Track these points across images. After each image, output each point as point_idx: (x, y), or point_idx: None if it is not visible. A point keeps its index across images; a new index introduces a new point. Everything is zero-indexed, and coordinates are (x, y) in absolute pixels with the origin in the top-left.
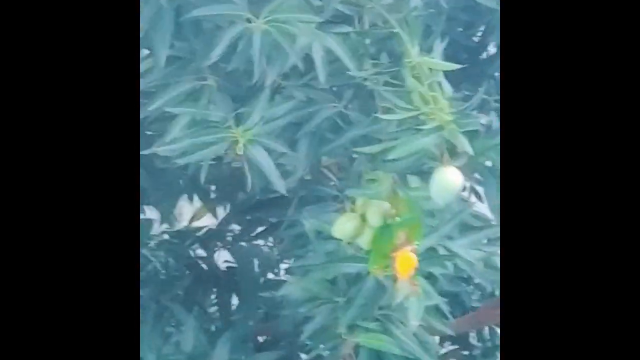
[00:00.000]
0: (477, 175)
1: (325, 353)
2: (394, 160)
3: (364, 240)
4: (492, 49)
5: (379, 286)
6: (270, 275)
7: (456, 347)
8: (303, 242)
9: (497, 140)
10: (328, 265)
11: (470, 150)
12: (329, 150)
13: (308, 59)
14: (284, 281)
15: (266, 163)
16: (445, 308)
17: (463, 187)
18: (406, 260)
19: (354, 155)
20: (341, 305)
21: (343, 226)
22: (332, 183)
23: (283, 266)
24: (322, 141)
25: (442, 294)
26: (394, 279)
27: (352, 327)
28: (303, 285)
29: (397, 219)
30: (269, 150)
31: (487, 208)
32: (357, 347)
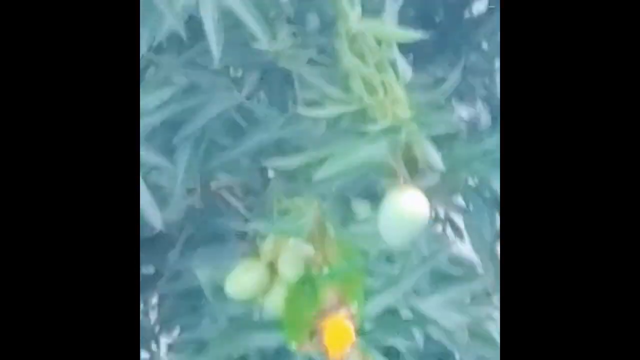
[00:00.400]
0: (457, 200)
1: None
2: (322, 179)
3: (272, 302)
4: (481, 5)
5: None
6: (144, 356)
7: None
8: (194, 303)
9: (489, 144)
10: (233, 337)
11: (439, 163)
12: (224, 164)
13: (194, 24)
14: None
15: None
16: None
17: (430, 220)
18: (338, 332)
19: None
20: None
21: (239, 279)
22: (237, 212)
23: (164, 341)
24: (213, 149)
25: None
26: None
27: None
28: None
29: (324, 269)
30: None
31: (470, 249)
32: None
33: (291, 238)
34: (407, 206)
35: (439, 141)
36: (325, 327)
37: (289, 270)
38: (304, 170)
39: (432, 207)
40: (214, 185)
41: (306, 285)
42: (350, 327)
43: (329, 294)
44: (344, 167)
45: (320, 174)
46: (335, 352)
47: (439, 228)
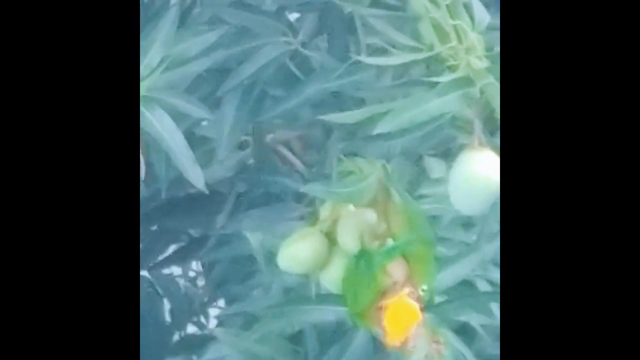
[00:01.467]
0: None
1: None
2: (386, 136)
3: (331, 276)
4: None
5: (374, 346)
6: (190, 328)
7: None
8: (245, 271)
9: None
10: (288, 311)
11: None
12: (276, 117)
13: None
14: (214, 338)
15: (172, 138)
16: None
17: None
18: (400, 313)
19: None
20: None
21: (292, 251)
22: (294, 170)
23: (212, 312)
24: (264, 101)
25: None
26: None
27: None
28: (244, 344)
29: (390, 240)
30: (176, 115)
31: None
32: None
33: (351, 204)
34: (481, 169)
35: None
36: (386, 307)
37: (349, 241)
38: (366, 126)
39: None
40: (269, 138)
41: (366, 260)
42: (416, 307)
43: (391, 270)
44: (411, 122)
45: (383, 129)
46: (397, 334)
47: None
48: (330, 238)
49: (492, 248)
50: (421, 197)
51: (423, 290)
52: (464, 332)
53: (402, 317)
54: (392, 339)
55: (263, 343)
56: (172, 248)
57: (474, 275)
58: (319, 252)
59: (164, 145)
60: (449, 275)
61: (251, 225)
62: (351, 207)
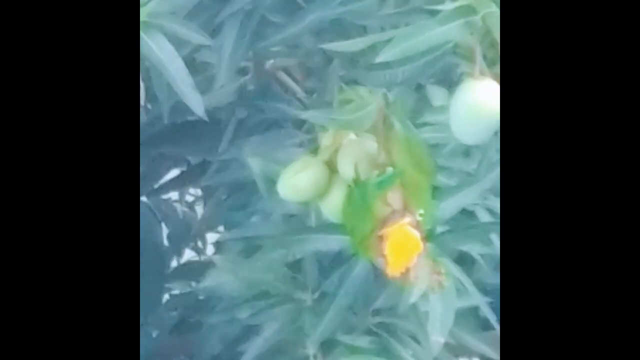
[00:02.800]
0: None
1: None
2: (386, 65)
3: (330, 205)
4: None
5: (375, 275)
6: (187, 254)
7: None
8: (245, 197)
9: None
10: (288, 239)
11: None
12: (277, 44)
13: None
14: (212, 264)
15: (172, 63)
16: (492, 314)
17: None
18: (401, 241)
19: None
20: (310, 308)
21: (293, 179)
22: (296, 97)
23: (210, 237)
24: (264, 27)
25: (486, 290)
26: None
27: (327, 346)
28: (243, 272)
29: (389, 169)
30: (176, 40)
31: None
32: None
33: (352, 132)
34: (482, 98)
35: None
36: (386, 236)
37: (349, 169)
38: (368, 55)
39: None
40: (269, 65)
41: (358, 191)
42: (417, 236)
43: (390, 199)
44: (413, 50)
45: (385, 57)
46: (398, 263)
47: None
48: (331, 167)
49: (492, 177)
50: (423, 125)
51: (420, 215)
52: (463, 261)
53: (403, 246)
54: (393, 269)
55: (262, 271)
56: (170, 174)
57: (474, 204)
58: (319, 181)
59: (163, 71)
60: (450, 205)
61: (251, 152)
62: (352, 135)
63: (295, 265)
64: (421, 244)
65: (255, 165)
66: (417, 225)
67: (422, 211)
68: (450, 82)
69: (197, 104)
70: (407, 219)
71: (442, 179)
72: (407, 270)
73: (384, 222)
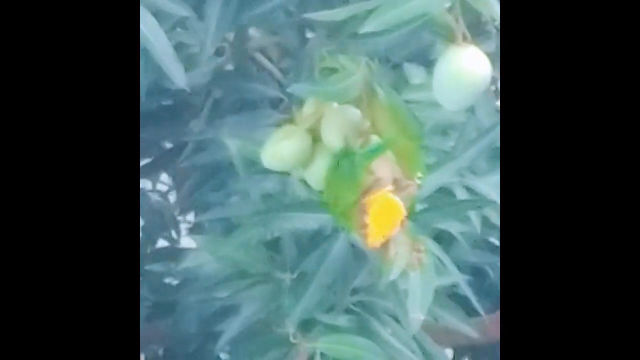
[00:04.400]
0: None
1: None
2: (370, 35)
3: (314, 174)
4: None
5: (354, 253)
6: (162, 240)
7: None
8: (222, 178)
9: None
10: (266, 218)
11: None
12: (259, 18)
13: None
14: (187, 250)
15: (156, 38)
16: (471, 293)
17: (489, 81)
18: (385, 208)
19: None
20: (289, 287)
21: (275, 148)
22: (272, 77)
23: (186, 222)
24: (247, 2)
25: (465, 268)
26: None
27: (306, 325)
28: (221, 252)
29: (374, 137)
30: (159, 15)
31: None
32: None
33: (335, 102)
34: (466, 64)
35: None
36: (369, 203)
37: (333, 138)
38: (350, 25)
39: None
40: (246, 45)
41: (344, 161)
42: (399, 203)
43: (375, 168)
44: (394, 21)
45: (366, 27)
46: (380, 230)
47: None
48: (314, 135)
49: (470, 155)
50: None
51: (419, 178)
52: (441, 239)
53: (385, 213)
54: (374, 238)
55: (241, 250)
56: (146, 161)
57: (452, 183)
58: (303, 150)
59: (146, 44)
60: (428, 183)
61: (227, 132)
62: (335, 104)
63: (274, 245)
64: (403, 210)
65: (232, 145)
66: (411, 189)
67: (420, 174)
68: (427, 60)
69: (180, 76)
70: (390, 187)
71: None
72: (387, 242)
73: (367, 190)
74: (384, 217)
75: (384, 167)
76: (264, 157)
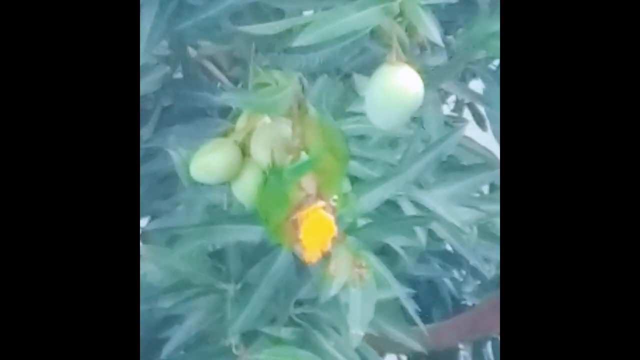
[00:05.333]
0: (474, 83)
1: None
2: (303, 49)
3: (242, 188)
4: None
5: (297, 267)
6: None
7: None
8: (167, 188)
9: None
10: (208, 229)
11: (438, 39)
12: (195, 27)
13: None
14: None
15: None
16: (413, 306)
17: (421, 102)
18: (317, 225)
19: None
20: (232, 298)
21: (204, 160)
22: (220, 85)
23: None
24: (182, 11)
25: (408, 282)
26: (325, 256)
27: (249, 337)
28: (164, 261)
29: (303, 154)
30: None
31: (490, 135)
32: None
33: (267, 116)
34: (398, 83)
35: (448, 12)
36: (300, 220)
37: (261, 153)
38: (285, 39)
39: (443, 90)
40: (194, 53)
41: (273, 177)
42: (330, 220)
43: (304, 183)
44: (330, 35)
45: (301, 41)
46: (313, 247)
47: (452, 110)
48: (244, 150)
49: (417, 168)
50: (350, 114)
51: (334, 201)
52: (388, 252)
53: (317, 230)
54: (309, 254)
55: (185, 260)
56: None
57: (397, 195)
58: (231, 163)
59: None
60: (373, 197)
61: (176, 140)
62: (267, 119)
63: (219, 255)
64: (335, 228)
65: (176, 156)
66: (331, 210)
67: (336, 197)
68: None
69: None
70: (321, 203)
71: (366, 171)
72: (325, 257)
73: (298, 206)
74: (317, 233)
75: (312, 184)
76: (192, 169)
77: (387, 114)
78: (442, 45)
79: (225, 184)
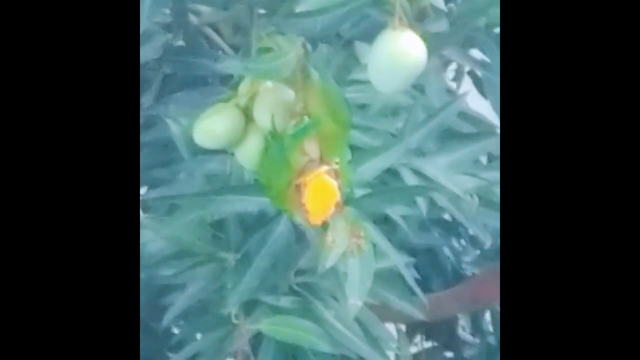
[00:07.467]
0: (474, 51)
1: (204, 348)
2: (305, 13)
3: (246, 154)
4: None
5: (296, 236)
6: None
7: (432, 344)
8: (166, 157)
9: None
10: (210, 199)
11: (439, 2)
12: None
13: None
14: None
15: None
16: (412, 276)
17: (424, 66)
18: (320, 190)
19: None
20: (232, 268)
21: (206, 124)
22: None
23: None
24: None
25: (408, 251)
26: (324, 225)
27: (249, 306)
28: (164, 231)
29: (306, 118)
30: None
31: (489, 105)
32: (257, 339)
33: (269, 81)
34: (400, 47)
35: None
36: (303, 185)
37: (264, 117)
38: (287, 4)
39: (444, 57)
40: (197, 20)
41: (274, 143)
42: (333, 183)
43: (307, 148)
44: (329, 2)
45: (304, 5)
46: (317, 211)
47: (452, 79)
48: (247, 114)
49: (417, 137)
50: (352, 82)
51: (337, 164)
52: (388, 220)
53: (321, 194)
54: (314, 217)
55: (185, 230)
56: None
57: (398, 164)
58: (235, 127)
59: None
60: (373, 166)
61: (177, 108)
62: (269, 84)
63: (219, 225)
64: (338, 192)
65: (174, 126)
66: (334, 174)
67: (338, 160)
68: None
69: None
70: (324, 167)
71: (367, 140)
72: (324, 227)
73: (301, 171)
74: (320, 197)
75: (315, 148)
76: (195, 133)
77: (390, 78)
78: (445, 10)
79: (227, 152)
